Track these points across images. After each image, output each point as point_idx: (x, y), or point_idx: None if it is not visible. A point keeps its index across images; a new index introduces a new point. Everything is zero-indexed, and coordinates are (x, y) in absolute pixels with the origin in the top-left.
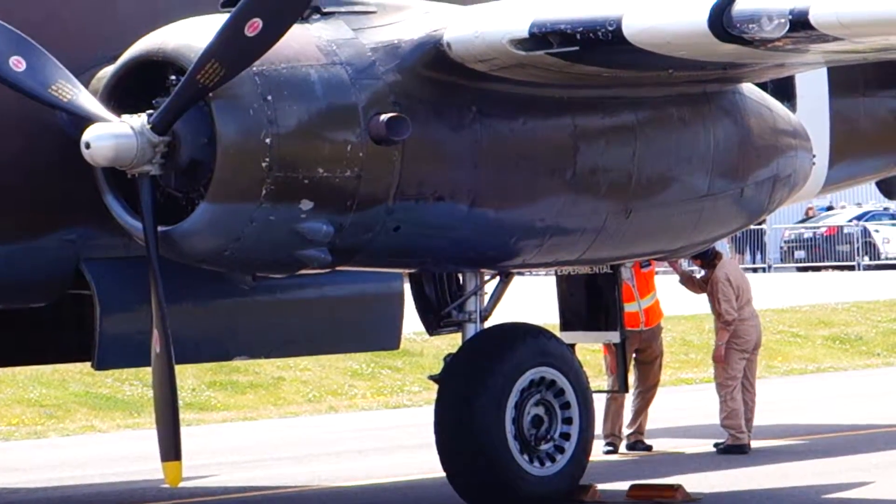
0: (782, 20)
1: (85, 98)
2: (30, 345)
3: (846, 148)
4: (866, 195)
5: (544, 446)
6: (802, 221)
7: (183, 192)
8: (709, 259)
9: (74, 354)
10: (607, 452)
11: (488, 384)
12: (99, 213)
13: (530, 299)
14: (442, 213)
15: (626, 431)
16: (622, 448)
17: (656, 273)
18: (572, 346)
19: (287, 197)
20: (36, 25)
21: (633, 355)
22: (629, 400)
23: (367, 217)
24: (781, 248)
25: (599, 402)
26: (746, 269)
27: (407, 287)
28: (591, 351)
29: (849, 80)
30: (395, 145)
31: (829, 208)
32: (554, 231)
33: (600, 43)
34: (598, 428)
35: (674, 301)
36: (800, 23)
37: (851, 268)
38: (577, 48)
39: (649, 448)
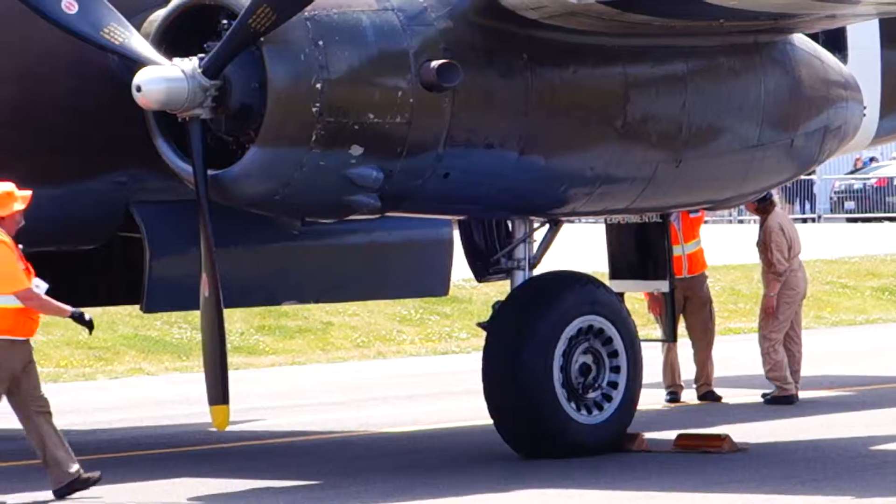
0: None
1: (136, 41)
2: (79, 287)
3: None
4: None
5: (592, 394)
6: (852, 172)
7: (233, 136)
8: (764, 205)
9: (123, 297)
10: (669, 401)
11: (536, 332)
12: (149, 157)
13: (579, 247)
14: (492, 160)
15: (693, 385)
16: (684, 397)
17: (705, 222)
18: (621, 294)
19: (337, 142)
20: None
21: (682, 304)
22: (689, 352)
23: (417, 163)
24: (831, 198)
25: (649, 351)
26: (796, 220)
27: (456, 234)
28: (639, 300)
29: None
30: (445, 92)
31: (873, 160)
32: (604, 179)
33: None
34: (660, 378)
35: (722, 250)
36: None
37: None
38: None
39: (719, 398)
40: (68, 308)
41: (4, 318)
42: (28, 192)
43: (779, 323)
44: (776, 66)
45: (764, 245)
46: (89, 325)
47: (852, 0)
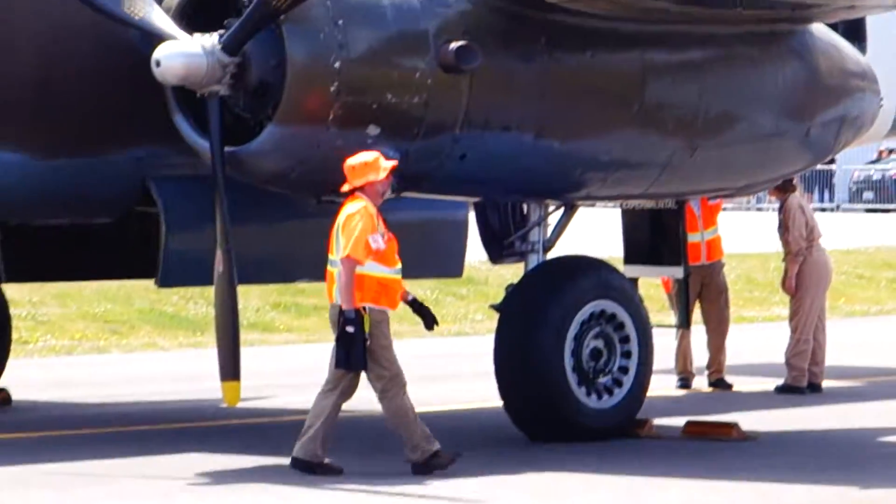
0: None
1: (157, 16)
2: (95, 260)
3: None
4: None
5: (602, 379)
6: (873, 162)
7: (251, 113)
8: (785, 186)
9: (139, 271)
10: (680, 387)
11: (548, 315)
12: (167, 132)
13: (594, 232)
14: (508, 142)
15: (706, 371)
16: (695, 384)
17: (723, 209)
18: (635, 280)
19: (354, 122)
20: None
21: (699, 291)
22: (703, 339)
23: (434, 144)
24: (850, 188)
25: (662, 338)
26: (814, 209)
27: (472, 215)
28: (654, 286)
29: None
30: (463, 74)
31: (892, 151)
32: (619, 164)
33: None
34: (671, 364)
35: (739, 238)
36: None
37: None
38: None
39: (730, 386)
40: (350, 306)
41: (366, 285)
42: (391, 163)
43: (808, 307)
44: (793, 55)
45: (784, 226)
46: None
47: None
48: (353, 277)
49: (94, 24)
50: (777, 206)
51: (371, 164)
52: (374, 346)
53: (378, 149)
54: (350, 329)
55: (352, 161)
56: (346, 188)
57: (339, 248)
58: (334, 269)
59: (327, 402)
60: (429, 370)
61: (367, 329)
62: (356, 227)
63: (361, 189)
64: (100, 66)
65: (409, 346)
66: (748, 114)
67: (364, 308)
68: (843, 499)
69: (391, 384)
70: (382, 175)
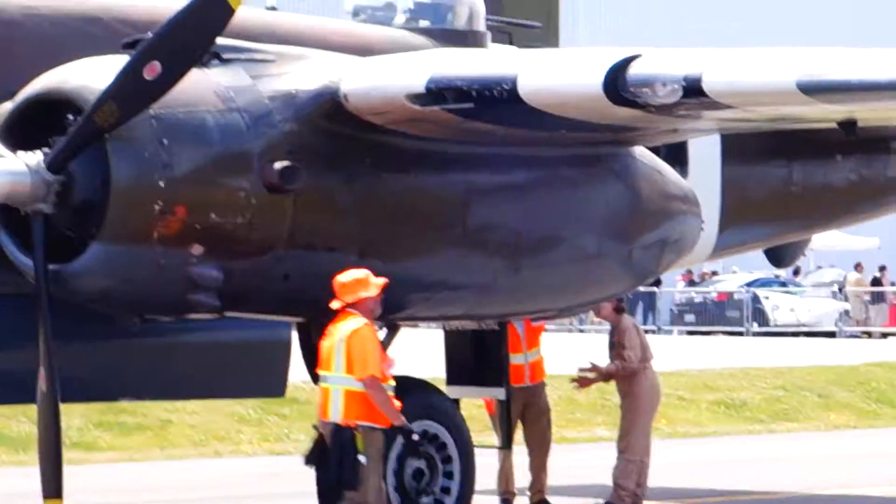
0: (675, 86)
1: None
2: None
3: (736, 215)
4: (758, 262)
5: (425, 500)
6: (692, 284)
7: (76, 231)
8: (619, 308)
9: None
10: None
11: None
12: None
13: (416, 352)
14: (332, 262)
15: (527, 493)
16: None
17: (546, 330)
18: (457, 400)
19: (178, 241)
20: None
21: (521, 412)
22: (525, 460)
23: (258, 264)
24: (672, 310)
25: (485, 458)
26: None
27: (295, 335)
28: (477, 406)
29: (741, 148)
30: (287, 194)
31: (714, 273)
32: (442, 285)
33: (495, 101)
34: (493, 484)
35: (561, 360)
36: (693, 89)
37: (740, 333)
38: (472, 105)
39: None
40: (400, 418)
41: (363, 402)
42: (382, 280)
43: (640, 429)
44: (616, 178)
45: (620, 345)
46: (415, 444)
47: (693, 115)
48: (385, 393)
49: None
50: (605, 327)
51: (362, 281)
52: (363, 468)
53: (201, 268)
54: (415, 437)
55: (342, 278)
56: (335, 305)
57: (340, 365)
58: (329, 386)
59: None
60: (251, 489)
61: (360, 447)
62: (367, 345)
63: (353, 306)
64: None
65: (232, 464)
66: (571, 235)
67: (357, 426)
68: None
69: None
70: (374, 292)
